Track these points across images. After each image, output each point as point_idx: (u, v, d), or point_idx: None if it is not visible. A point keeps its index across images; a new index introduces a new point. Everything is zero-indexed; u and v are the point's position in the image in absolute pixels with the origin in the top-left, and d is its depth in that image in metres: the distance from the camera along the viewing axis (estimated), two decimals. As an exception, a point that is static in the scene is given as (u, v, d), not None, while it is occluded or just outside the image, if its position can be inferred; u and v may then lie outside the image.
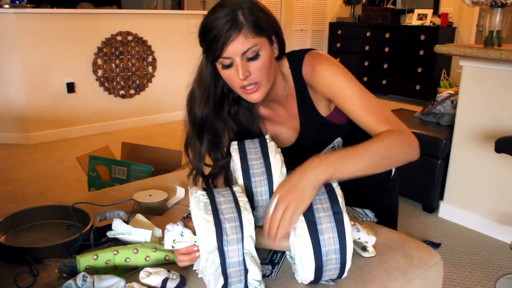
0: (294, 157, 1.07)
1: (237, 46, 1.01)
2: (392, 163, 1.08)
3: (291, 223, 0.92)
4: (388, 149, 1.02)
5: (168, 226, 0.97)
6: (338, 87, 1.12)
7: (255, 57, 1.04)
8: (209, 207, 0.91)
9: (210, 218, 0.90)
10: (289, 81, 1.20)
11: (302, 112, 1.22)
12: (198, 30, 1.06)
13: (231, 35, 1.00)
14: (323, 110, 1.22)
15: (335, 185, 0.98)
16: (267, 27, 1.06)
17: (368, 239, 1.06)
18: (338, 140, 1.27)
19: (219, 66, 1.07)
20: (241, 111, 1.21)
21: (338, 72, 1.12)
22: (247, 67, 1.04)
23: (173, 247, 0.96)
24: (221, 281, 0.88)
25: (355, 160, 0.98)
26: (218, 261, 0.88)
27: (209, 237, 0.88)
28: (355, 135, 1.26)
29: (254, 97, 1.09)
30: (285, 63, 1.19)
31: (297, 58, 1.18)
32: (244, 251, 0.89)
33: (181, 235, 0.95)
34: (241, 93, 1.10)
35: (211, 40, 1.02)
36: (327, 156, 0.97)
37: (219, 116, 1.17)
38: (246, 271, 0.89)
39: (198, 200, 0.94)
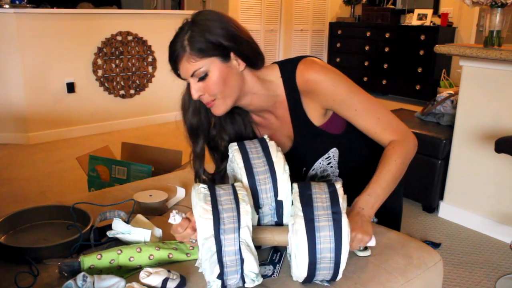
0: (289, 165, 1.07)
1: (184, 69, 1.10)
2: (404, 171, 1.17)
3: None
4: (403, 165, 1.14)
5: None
6: (341, 97, 1.14)
7: (204, 77, 1.09)
8: (209, 198, 0.94)
9: (209, 207, 0.92)
10: (279, 89, 1.20)
11: (295, 121, 1.23)
12: None
13: (177, 59, 1.09)
14: (318, 119, 1.21)
15: (338, 187, 0.98)
16: (216, 47, 1.08)
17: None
18: (334, 150, 1.27)
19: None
20: (235, 118, 1.25)
21: (339, 81, 1.14)
22: (199, 87, 1.10)
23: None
24: (217, 270, 0.89)
25: (385, 194, 1.12)
26: (214, 248, 0.89)
27: (206, 224, 0.90)
28: (351, 146, 1.27)
29: (216, 111, 1.14)
30: (274, 72, 1.20)
31: (290, 67, 1.18)
32: (240, 240, 0.90)
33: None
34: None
35: (170, 62, 1.12)
36: (366, 203, 1.09)
37: (214, 123, 1.22)
38: (242, 261, 0.90)
39: (199, 192, 0.97)
